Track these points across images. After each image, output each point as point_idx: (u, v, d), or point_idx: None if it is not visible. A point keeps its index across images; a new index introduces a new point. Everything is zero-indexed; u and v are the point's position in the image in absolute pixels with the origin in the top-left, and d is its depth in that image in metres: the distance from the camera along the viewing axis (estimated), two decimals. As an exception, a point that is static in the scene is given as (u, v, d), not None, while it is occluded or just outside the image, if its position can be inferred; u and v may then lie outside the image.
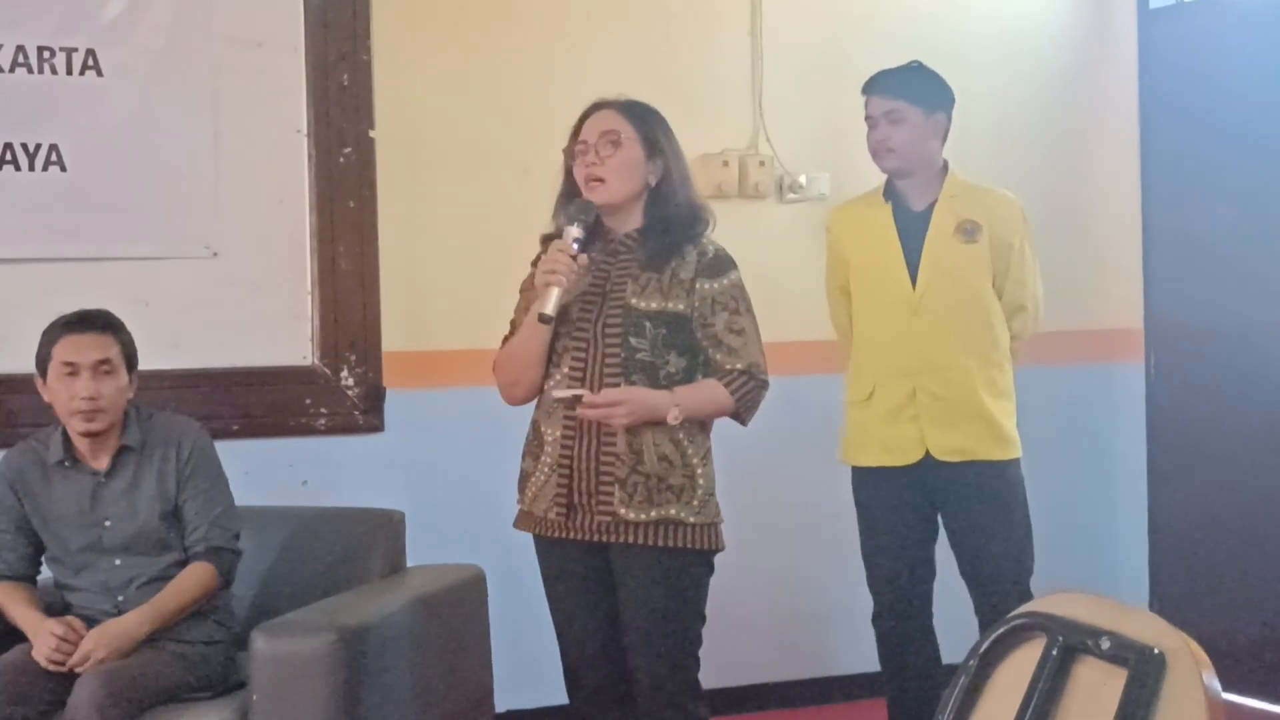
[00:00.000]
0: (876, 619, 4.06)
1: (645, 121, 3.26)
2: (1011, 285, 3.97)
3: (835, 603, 4.95)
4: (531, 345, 3.23)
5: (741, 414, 3.27)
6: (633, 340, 3.17)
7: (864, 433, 3.99)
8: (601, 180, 3.20)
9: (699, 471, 3.21)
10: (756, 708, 4.93)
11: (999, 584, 3.83)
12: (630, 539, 3.15)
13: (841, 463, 4.08)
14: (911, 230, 3.94)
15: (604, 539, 3.18)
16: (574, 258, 3.14)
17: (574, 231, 3.16)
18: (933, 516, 4.01)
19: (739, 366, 3.22)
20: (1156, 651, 2.17)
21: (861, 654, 4.54)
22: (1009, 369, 3.99)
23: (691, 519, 3.17)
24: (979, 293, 3.93)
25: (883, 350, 3.95)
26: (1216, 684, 2.15)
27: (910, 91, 3.89)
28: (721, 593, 4.65)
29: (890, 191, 4.00)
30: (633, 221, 3.27)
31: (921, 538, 4.00)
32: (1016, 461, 3.97)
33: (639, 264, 3.22)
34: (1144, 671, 2.16)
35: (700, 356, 3.25)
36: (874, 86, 3.95)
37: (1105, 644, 2.23)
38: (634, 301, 3.18)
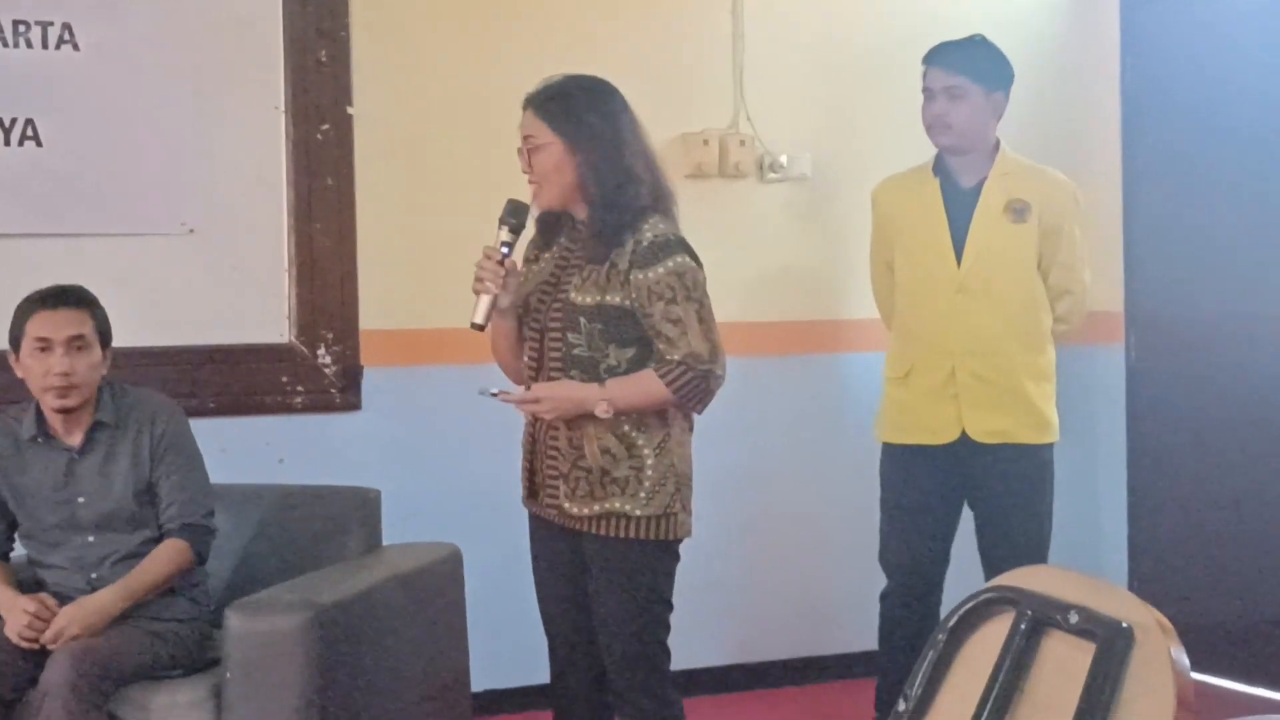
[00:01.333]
0: (885, 596, 4.06)
1: (559, 116, 3.14)
2: (1059, 268, 3.96)
3: (831, 583, 4.96)
4: (499, 337, 3.26)
5: (684, 405, 3.16)
6: (570, 336, 3.14)
7: (901, 411, 3.98)
8: (537, 186, 3.19)
9: (649, 463, 3.15)
10: (752, 686, 4.94)
11: (1018, 565, 3.80)
12: (582, 529, 3.16)
13: (876, 440, 4.07)
14: (959, 207, 3.93)
15: (561, 524, 3.19)
16: (500, 263, 3.12)
17: (502, 235, 3.15)
18: (958, 503, 4.01)
19: (675, 357, 3.10)
20: (1124, 625, 2.17)
21: (856, 634, 4.55)
22: (1050, 351, 3.99)
23: (638, 511, 3.13)
24: (1024, 274, 3.92)
25: (924, 328, 3.95)
26: (1184, 659, 2.15)
27: (974, 68, 3.88)
28: (720, 573, 4.69)
29: (939, 167, 3.98)
30: (583, 210, 3.21)
31: (942, 524, 4.00)
32: (1051, 446, 3.97)
33: (586, 256, 3.18)
34: (1112, 645, 2.16)
35: (652, 345, 3.17)
36: (936, 59, 3.92)
37: (1074, 618, 2.23)
38: (573, 296, 3.15)
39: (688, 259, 3.15)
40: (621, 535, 3.13)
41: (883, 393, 4.08)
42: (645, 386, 3.11)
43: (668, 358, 3.11)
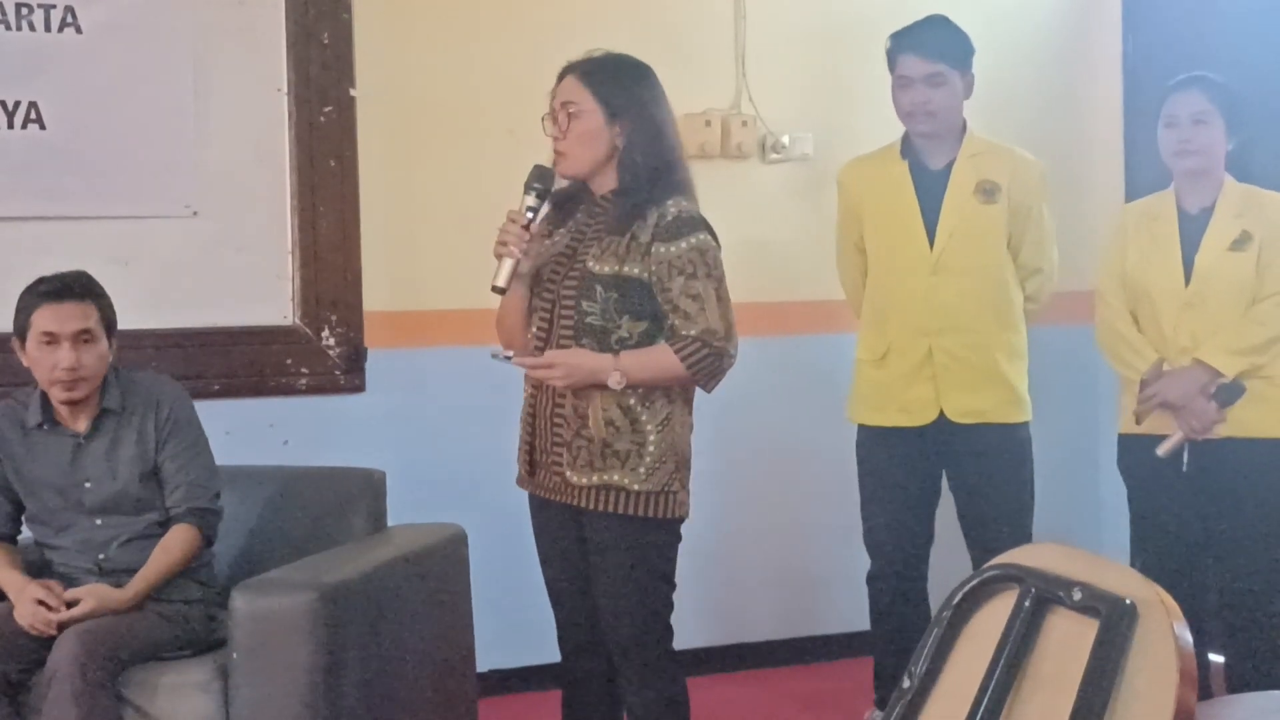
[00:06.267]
0: (871, 579, 4.08)
1: (606, 85, 3.18)
2: (1028, 247, 3.97)
3: (827, 562, 4.97)
4: (510, 309, 3.24)
5: (698, 381, 3.18)
6: (584, 304, 3.14)
7: (879, 392, 3.99)
8: (563, 154, 3.19)
9: (651, 439, 3.15)
10: (749, 666, 4.95)
11: (1002, 543, 3.81)
12: (579, 502, 3.15)
13: (850, 421, 4.08)
14: (929, 189, 3.93)
15: (564, 500, 3.18)
16: (526, 228, 3.12)
17: (528, 200, 3.14)
18: (937, 480, 4.02)
19: (691, 333, 3.12)
20: (1128, 602, 2.18)
21: (850, 613, 4.57)
22: (1023, 330, 4.01)
23: (636, 486, 3.13)
24: (996, 254, 3.94)
25: (899, 310, 3.95)
26: (1188, 635, 2.15)
27: (949, 52, 3.88)
28: (715, 552, 4.69)
29: (908, 149, 3.98)
30: (609, 183, 3.22)
31: (924, 501, 4.02)
32: (1027, 424, 3.99)
33: (606, 227, 3.19)
34: (1115, 622, 2.17)
35: (665, 321, 3.18)
36: (910, 45, 3.90)
37: (1077, 595, 2.23)
38: (591, 265, 3.15)
39: (709, 237, 3.18)
40: (619, 510, 3.13)
41: (855, 374, 4.09)
42: (660, 360, 3.12)
43: (683, 333, 3.12)
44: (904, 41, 3.92)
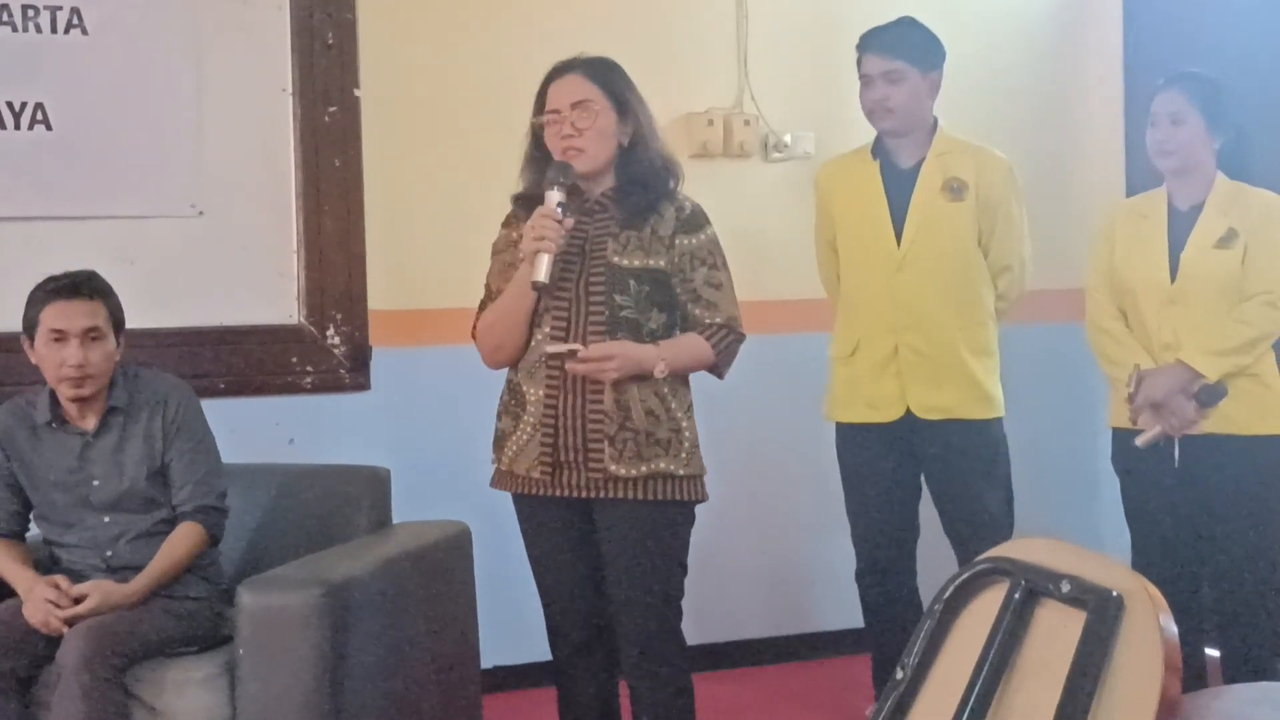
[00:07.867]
0: (860, 576, 4.10)
1: (612, 82, 3.24)
2: (998, 244, 3.99)
3: (820, 559, 4.98)
4: (519, 310, 3.23)
5: (720, 367, 3.30)
6: (617, 298, 3.17)
7: (848, 389, 4.02)
8: (581, 150, 3.20)
9: (684, 425, 3.23)
10: (741, 664, 4.97)
11: (982, 541, 3.84)
12: (620, 494, 3.18)
13: (825, 419, 4.11)
14: (899, 187, 3.96)
15: (591, 495, 3.20)
16: (559, 222, 3.14)
17: (556, 196, 3.16)
18: (916, 475, 4.04)
19: (718, 320, 3.24)
20: (1114, 594, 2.20)
21: (847, 610, 4.59)
22: (992, 327, 4.01)
23: (680, 471, 3.21)
24: (963, 251, 3.95)
25: (866, 306, 3.98)
26: (1173, 626, 2.17)
27: (908, 50, 3.91)
28: (707, 549, 4.68)
29: (879, 149, 4.02)
30: (606, 181, 3.26)
31: (904, 496, 4.04)
32: (999, 420, 4.00)
33: (618, 222, 3.22)
34: (1102, 613, 2.19)
35: (677, 312, 3.26)
36: (870, 44, 3.95)
37: (1065, 587, 2.26)
38: (616, 260, 3.19)
39: (714, 230, 3.30)
40: (665, 497, 3.19)
41: (830, 372, 4.11)
42: (694, 348, 3.23)
43: (707, 321, 3.24)
44: (865, 41, 3.98)
